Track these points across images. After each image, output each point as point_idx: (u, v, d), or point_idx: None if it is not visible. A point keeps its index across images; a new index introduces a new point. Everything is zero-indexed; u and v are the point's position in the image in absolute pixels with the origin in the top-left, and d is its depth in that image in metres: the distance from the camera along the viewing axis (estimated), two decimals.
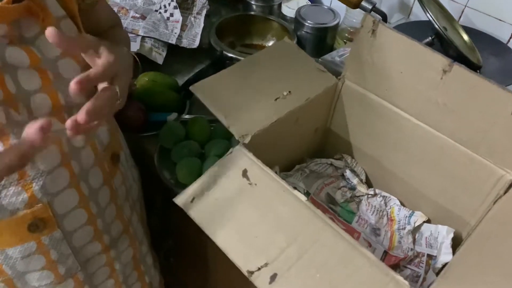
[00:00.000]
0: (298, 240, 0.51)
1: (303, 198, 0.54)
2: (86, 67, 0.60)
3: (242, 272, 0.50)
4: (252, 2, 1.14)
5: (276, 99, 0.69)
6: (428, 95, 0.62)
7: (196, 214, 0.55)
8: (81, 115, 0.45)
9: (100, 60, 0.51)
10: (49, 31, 0.45)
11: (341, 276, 0.49)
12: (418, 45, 0.61)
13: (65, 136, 0.58)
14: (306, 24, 1.03)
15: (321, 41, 1.05)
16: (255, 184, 0.57)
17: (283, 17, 1.14)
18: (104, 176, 0.66)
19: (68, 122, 0.46)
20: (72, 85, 0.45)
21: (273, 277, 0.49)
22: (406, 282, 0.44)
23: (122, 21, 1.00)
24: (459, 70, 0.57)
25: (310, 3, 1.14)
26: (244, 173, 0.58)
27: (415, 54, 0.61)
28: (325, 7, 1.08)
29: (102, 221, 0.68)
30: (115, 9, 1.01)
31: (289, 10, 1.12)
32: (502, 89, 0.54)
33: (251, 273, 0.49)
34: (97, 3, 0.65)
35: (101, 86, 0.51)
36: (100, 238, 0.69)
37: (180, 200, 0.57)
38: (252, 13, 1.15)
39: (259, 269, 0.50)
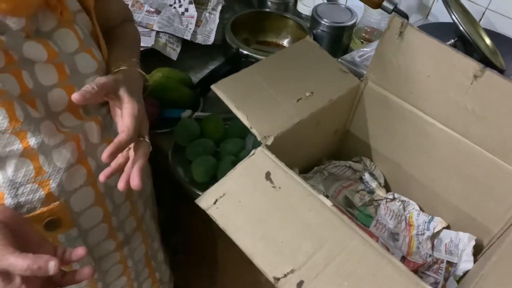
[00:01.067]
0: (325, 246, 0.50)
1: (328, 203, 0.53)
2: (101, 62, 0.59)
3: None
4: None
5: (298, 100, 0.67)
6: (456, 100, 0.61)
7: (219, 216, 0.54)
8: (135, 181, 0.52)
9: (125, 121, 0.53)
10: (74, 97, 0.49)
11: (370, 285, 0.48)
12: (448, 48, 0.59)
13: (83, 133, 0.57)
14: (323, 22, 1.01)
15: (337, 40, 1.04)
16: (279, 188, 0.56)
17: (299, 14, 1.13)
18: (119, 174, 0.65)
19: (121, 186, 0.53)
20: (105, 158, 0.50)
21: (299, 284, 0.48)
22: None
23: (136, 15, 0.99)
24: (491, 75, 0.56)
25: (326, 1, 1.12)
26: (268, 176, 0.57)
27: (444, 58, 0.60)
28: (342, 5, 1.07)
29: (117, 219, 0.67)
30: (129, 3, 1.00)
31: (305, 8, 1.10)
32: None
33: (278, 279, 0.48)
34: None
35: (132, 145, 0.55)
36: (114, 235, 0.68)
37: (202, 201, 0.55)
38: (267, 10, 1.13)
39: (285, 275, 0.48)
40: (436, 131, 0.66)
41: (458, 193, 0.69)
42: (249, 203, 0.55)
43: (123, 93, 0.55)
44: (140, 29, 0.96)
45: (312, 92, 0.68)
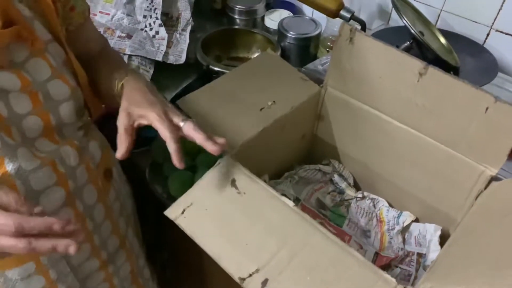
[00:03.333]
0: (288, 244, 0.53)
1: (290, 203, 0.56)
2: (75, 88, 0.61)
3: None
4: (236, 16, 1.17)
5: (261, 109, 0.71)
6: (407, 97, 0.65)
7: (187, 225, 0.56)
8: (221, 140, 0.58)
9: (158, 129, 0.57)
10: (118, 156, 0.57)
11: (331, 277, 0.50)
12: (394, 50, 0.63)
13: (59, 157, 0.59)
14: (289, 35, 1.05)
15: (305, 51, 1.08)
16: (244, 193, 0.58)
17: (267, 29, 1.17)
18: (98, 193, 0.67)
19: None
20: (178, 164, 0.57)
21: (264, 282, 0.50)
22: (394, 280, 0.45)
23: (109, 41, 1.02)
24: (434, 72, 0.59)
25: (292, 14, 1.17)
26: (233, 183, 0.60)
27: (392, 59, 0.64)
28: (307, 17, 1.11)
29: (99, 237, 0.69)
30: (101, 30, 1.03)
31: (272, 22, 1.15)
32: (475, 88, 0.56)
33: (243, 279, 0.50)
34: (83, 25, 0.67)
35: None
36: (97, 254, 0.70)
37: (170, 212, 0.58)
38: (236, 27, 1.17)
39: (250, 275, 0.51)
40: (394, 128, 0.70)
41: (421, 187, 0.72)
42: (215, 210, 0.57)
43: (137, 110, 0.58)
44: None
45: (274, 101, 0.72)
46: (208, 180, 0.61)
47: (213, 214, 0.57)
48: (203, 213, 0.57)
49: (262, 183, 0.59)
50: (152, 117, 0.56)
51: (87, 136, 0.66)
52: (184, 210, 0.58)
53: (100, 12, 1.05)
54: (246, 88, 0.74)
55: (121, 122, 0.57)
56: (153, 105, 0.58)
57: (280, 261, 0.52)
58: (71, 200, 0.62)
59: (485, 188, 0.60)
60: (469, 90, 0.56)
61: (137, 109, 0.57)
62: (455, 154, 0.64)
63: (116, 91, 0.62)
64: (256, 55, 1.16)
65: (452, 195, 0.67)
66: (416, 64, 0.61)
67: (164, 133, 0.55)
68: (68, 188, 0.61)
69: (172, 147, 0.55)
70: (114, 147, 0.77)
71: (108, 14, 1.05)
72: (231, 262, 0.52)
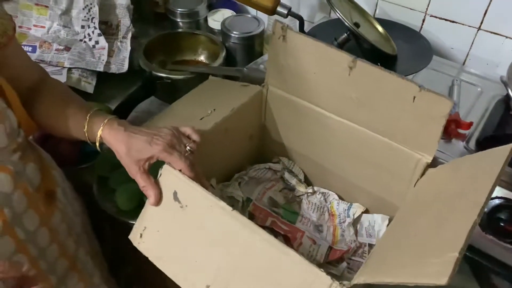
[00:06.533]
0: (230, 254, 0.53)
1: (229, 209, 0.55)
2: (3, 110, 0.59)
3: None
4: (178, 20, 1.15)
5: (201, 118, 0.70)
6: (341, 91, 0.65)
7: (145, 249, 0.59)
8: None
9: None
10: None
11: (272, 279, 0.50)
12: (324, 45, 0.63)
13: None
14: (232, 35, 1.05)
15: (250, 50, 1.07)
16: (186, 206, 0.58)
17: (211, 30, 1.16)
18: (40, 218, 0.65)
19: None
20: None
21: None
22: (329, 277, 0.45)
23: (46, 55, 0.99)
24: (362, 65, 0.60)
25: (235, 13, 1.16)
26: (175, 196, 0.59)
27: (322, 54, 0.64)
28: (249, 16, 1.10)
29: (45, 262, 0.67)
30: (37, 44, 1.00)
31: (215, 23, 1.14)
32: (402, 78, 0.57)
33: None
34: (6, 46, 0.64)
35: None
36: (45, 279, 0.67)
37: (133, 238, 0.61)
38: (180, 30, 1.16)
39: None
40: (334, 123, 0.70)
41: (367, 178, 0.73)
42: (165, 230, 0.59)
43: (142, 154, 0.61)
44: (50, 68, 0.97)
45: (214, 109, 0.71)
46: None
47: (164, 234, 0.58)
48: (157, 236, 0.59)
49: (203, 191, 0.58)
50: (162, 156, 0.60)
51: (23, 159, 0.64)
52: (141, 235, 0.59)
53: (34, 25, 1.02)
54: (187, 107, 0.74)
55: (136, 174, 0.61)
56: (153, 143, 0.60)
57: (226, 273, 0.53)
58: (9, 228, 0.59)
59: (421, 175, 0.61)
60: (396, 80, 0.57)
61: (141, 153, 0.60)
62: (393, 144, 0.64)
63: (86, 136, 0.64)
64: (203, 56, 1.14)
65: (395, 185, 0.68)
66: (345, 58, 0.61)
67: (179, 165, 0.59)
68: (4, 217, 0.58)
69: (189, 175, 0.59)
70: (59, 165, 0.75)
71: (44, 27, 1.02)
72: (186, 281, 0.55)
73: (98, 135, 0.63)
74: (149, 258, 0.59)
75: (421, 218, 0.49)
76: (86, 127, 0.64)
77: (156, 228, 0.59)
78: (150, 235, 0.60)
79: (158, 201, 0.60)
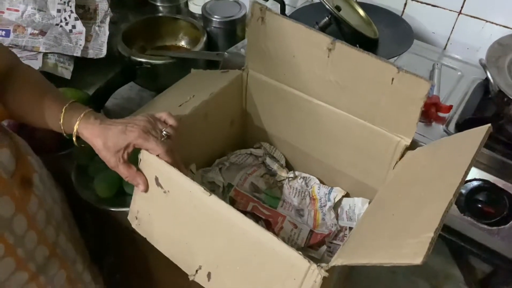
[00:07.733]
0: (214, 237, 0.54)
1: (206, 194, 0.54)
2: None
3: (183, 276, 0.57)
4: (158, 4, 1.13)
5: (180, 105, 0.69)
6: (320, 74, 0.64)
7: (144, 231, 0.61)
8: None
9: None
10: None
11: (254, 264, 0.50)
12: (303, 27, 0.62)
13: None
14: (213, 19, 1.03)
15: (231, 34, 1.06)
16: (168, 191, 0.58)
17: (192, 14, 1.14)
18: (15, 204, 0.63)
19: None
20: None
21: (209, 275, 0.54)
22: (306, 260, 0.45)
23: (20, 39, 0.96)
24: (341, 47, 0.59)
25: None
26: (157, 181, 0.58)
27: (302, 37, 0.63)
28: (231, 0, 1.09)
29: (23, 250, 0.66)
30: (11, 28, 0.97)
31: (196, 7, 1.12)
32: (381, 60, 0.56)
33: (194, 275, 0.56)
34: None
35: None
36: (24, 267, 0.66)
37: (130, 219, 0.62)
38: (160, 14, 1.14)
39: (197, 271, 0.55)
40: (314, 106, 0.69)
41: (347, 162, 0.73)
42: (155, 214, 0.60)
43: (119, 144, 0.59)
44: (25, 53, 0.94)
45: (193, 95, 0.70)
46: None
47: (155, 217, 0.60)
48: (149, 218, 0.60)
49: (181, 176, 0.57)
50: (138, 143, 0.59)
51: None
52: (136, 217, 0.60)
53: (8, 9, 0.98)
54: (168, 98, 0.73)
55: (117, 166, 0.60)
56: (128, 131, 0.59)
57: (215, 256, 0.54)
58: None
59: (400, 158, 0.61)
60: (374, 62, 0.56)
61: (117, 144, 0.59)
62: (372, 127, 0.64)
63: (63, 129, 0.63)
64: (183, 42, 1.12)
65: (375, 168, 0.68)
66: (324, 39, 0.60)
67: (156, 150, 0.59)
68: None
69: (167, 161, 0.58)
70: (36, 152, 0.73)
71: (17, 10, 0.98)
72: (181, 261, 0.57)
73: (75, 130, 0.62)
74: (147, 239, 0.61)
75: (399, 200, 0.49)
76: (62, 120, 0.62)
77: (147, 212, 0.60)
78: (143, 218, 0.60)
79: (148, 186, 0.60)
